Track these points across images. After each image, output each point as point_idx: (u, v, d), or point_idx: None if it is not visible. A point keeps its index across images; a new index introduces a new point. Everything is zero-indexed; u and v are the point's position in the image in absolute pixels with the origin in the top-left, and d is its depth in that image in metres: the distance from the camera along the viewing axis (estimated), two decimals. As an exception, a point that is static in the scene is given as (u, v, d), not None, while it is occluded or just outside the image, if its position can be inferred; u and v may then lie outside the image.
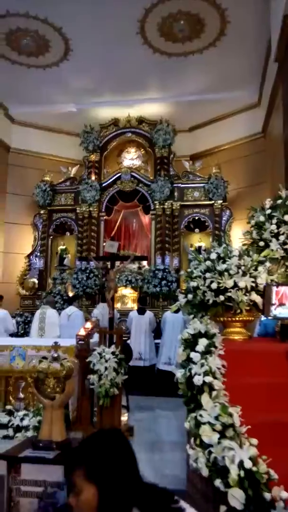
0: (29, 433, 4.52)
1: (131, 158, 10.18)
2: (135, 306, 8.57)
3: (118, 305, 8.69)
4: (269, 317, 3.63)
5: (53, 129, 10.58)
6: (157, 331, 7.65)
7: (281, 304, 3.47)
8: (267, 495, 1.99)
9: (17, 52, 8.04)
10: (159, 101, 9.46)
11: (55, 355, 3.21)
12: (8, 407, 4.91)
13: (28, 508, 2.14)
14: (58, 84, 8.93)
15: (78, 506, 1.07)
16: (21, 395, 5.04)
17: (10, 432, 4.62)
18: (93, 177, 9.80)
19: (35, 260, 9.96)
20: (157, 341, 7.57)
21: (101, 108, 9.75)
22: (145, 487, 1.15)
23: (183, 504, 1.15)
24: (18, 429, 4.64)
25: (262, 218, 4.14)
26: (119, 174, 9.73)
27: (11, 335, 7.15)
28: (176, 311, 6.50)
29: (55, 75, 8.60)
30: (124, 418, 5.01)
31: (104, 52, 7.82)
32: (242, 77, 8.36)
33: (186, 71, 8.35)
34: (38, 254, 9.94)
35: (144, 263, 9.51)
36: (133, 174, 9.67)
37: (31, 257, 10.00)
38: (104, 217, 9.90)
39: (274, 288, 3.47)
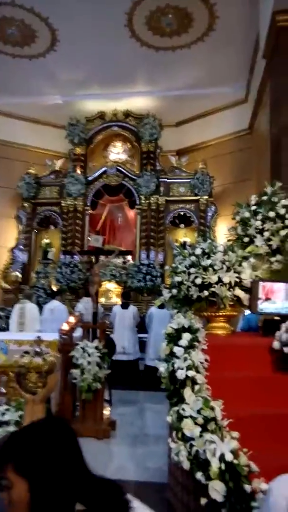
0: (11, 428, 4.47)
1: (117, 152, 10.12)
2: (119, 300, 8.54)
3: (102, 300, 8.65)
4: (255, 313, 3.66)
5: (39, 121, 10.42)
6: (140, 326, 7.65)
7: (267, 299, 3.50)
8: (248, 487, 2.01)
9: (2, 42, 7.88)
10: (146, 95, 9.40)
11: (38, 349, 3.18)
12: (-11, 401, 4.84)
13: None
14: (44, 75, 8.79)
15: (10, 503, 0.97)
16: (3, 390, 4.98)
17: (-9, 426, 4.57)
18: (78, 171, 9.71)
19: (19, 253, 9.83)
20: (140, 335, 7.57)
21: (88, 100, 9.65)
22: (90, 480, 1.05)
23: (129, 497, 1.10)
24: (-1, 423, 4.58)
25: (247, 214, 4.17)
26: (105, 168, 9.66)
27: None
28: (161, 306, 6.51)
29: (41, 66, 8.46)
30: (106, 412, 5.00)
31: (92, 44, 7.72)
32: (230, 73, 8.36)
33: (174, 65, 8.31)
34: (22, 247, 9.81)
35: (129, 257, 9.49)
36: (119, 168, 9.62)
37: (15, 250, 9.86)
38: (89, 211, 9.84)
39: (261, 283, 3.50)
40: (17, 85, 9.08)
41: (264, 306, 3.51)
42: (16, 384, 3.01)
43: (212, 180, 9.17)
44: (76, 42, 7.73)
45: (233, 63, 8.07)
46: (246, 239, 4.10)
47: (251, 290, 3.50)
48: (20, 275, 9.63)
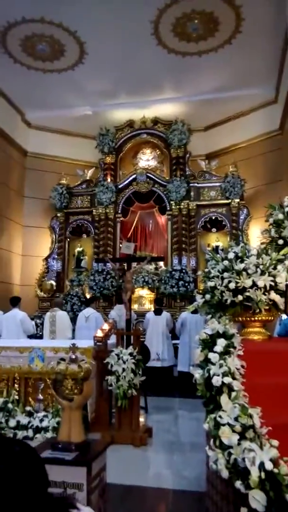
0: (49, 434, 4.54)
1: (146, 159, 10.19)
2: (152, 307, 8.54)
3: (135, 306, 8.68)
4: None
5: (69, 133, 10.66)
6: (173, 332, 7.60)
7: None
8: (290, 498, 1.94)
9: (32, 58, 8.14)
10: (174, 101, 9.44)
11: (73, 356, 3.21)
12: (28, 408, 4.95)
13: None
14: (73, 88, 9.01)
15: None
16: (40, 396, 5.08)
17: (30, 433, 4.66)
18: (108, 179, 9.84)
19: (53, 262, 10.05)
20: (174, 341, 7.52)
21: (117, 110, 9.79)
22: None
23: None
24: (37, 430, 4.67)
25: (280, 216, 4.08)
26: (134, 175, 9.74)
27: (30, 336, 7.21)
28: (194, 311, 6.45)
29: (70, 79, 8.67)
30: (142, 419, 4.99)
31: (119, 54, 7.85)
32: (259, 74, 8.27)
33: (201, 70, 8.31)
34: (56, 256, 10.03)
35: (161, 263, 9.48)
36: (149, 175, 9.67)
37: (49, 259, 10.09)
38: (120, 219, 9.93)
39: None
40: (47, 99, 9.36)
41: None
42: (53, 391, 3.05)
43: (243, 182, 9.05)
44: (103, 53, 7.88)
45: (261, 64, 7.98)
46: (280, 242, 4.01)
47: (286, 294, 3.40)
48: (54, 284, 9.83)
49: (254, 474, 2.02)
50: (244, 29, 7.22)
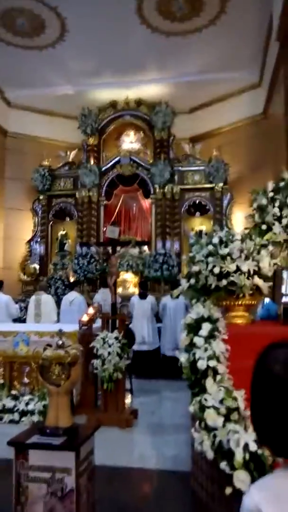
0: (35, 417, 4.58)
1: (130, 141, 10.04)
2: (136, 290, 8.57)
3: (119, 290, 8.67)
4: (280, 303, 3.61)
5: (51, 112, 10.38)
6: (157, 316, 7.68)
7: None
8: (273, 477, 2.02)
9: (12, 33, 7.84)
10: (158, 82, 9.25)
11: (60, 342, 3.21)
12: (13, 392, 4.96)
13: (37, 493, 2.17)
14: (54, 66, 8.75)
15: None
16: (26, 380, 5.10)
17: (16, 416, 4.69)
18: (92, 161, 9.69)
19: (36, 245, 9.93)
20: (158, 325, 7.61)
21: (99, 90, 9.55)
22: None
23: None
24: (23, 413, 4.70)
25: (264, 201, 4.11)
26: (118, 158, 9.61)
27: (14, 320, 7.18)
28: (177, 296, 6.51)
29: (51, 56, 8.41)
30: (128, 401, 5.06)
31: (101, 33, 7.63)
32: (243, 57, 8.16)
33: (186, 50, 8.15)
34: (39, 239, 9.90)
35: (145, 247, 9.47)
36: (133, 158, 9.56)
37: (32, 242, 9.96)
38: (104, 202, 9.83)
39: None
40: (27, 77, 9.05)
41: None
42: (40, 377, 3.05)
43: (227, 167, 9.03)
44: (85, 31, 7.65)
45: (246, 47, 7.87)
46: (263, 227, 4.06)
47: (274, 279, 3.45)
48: (38, 267, 9.74)
49: (239, 455, 2.09)
50: (229, 10, 7.08)
